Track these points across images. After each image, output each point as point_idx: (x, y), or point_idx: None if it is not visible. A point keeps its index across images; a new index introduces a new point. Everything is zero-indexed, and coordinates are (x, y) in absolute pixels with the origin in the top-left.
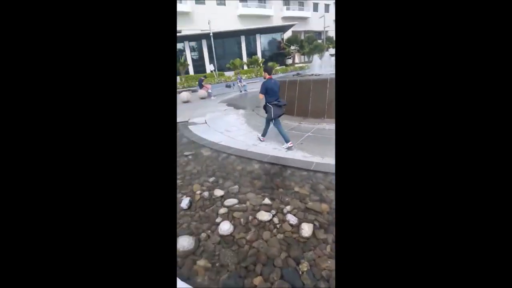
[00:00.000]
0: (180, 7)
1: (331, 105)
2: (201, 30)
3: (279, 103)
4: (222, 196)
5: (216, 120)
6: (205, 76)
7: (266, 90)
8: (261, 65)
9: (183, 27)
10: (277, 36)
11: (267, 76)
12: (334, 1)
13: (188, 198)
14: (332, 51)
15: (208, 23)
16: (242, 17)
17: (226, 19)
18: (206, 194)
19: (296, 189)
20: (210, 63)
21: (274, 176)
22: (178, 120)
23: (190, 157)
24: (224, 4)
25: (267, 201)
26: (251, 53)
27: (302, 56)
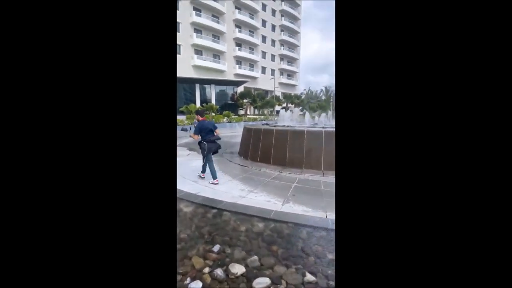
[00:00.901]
0: None
1: (308, 156)
2: None
3: (213, 138)
4: (244, 275)
5: (181, 167)
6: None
7: (200, 129)
8: (216, 111)
9: None
10: (230, 89)
11: (200, 118)
12: (275, 68)
13: (198, 282)
14: (278, 108)
15: None
16: (196, 67)
17: (181, 67)
18: (219, 272)
19: (330, 256)
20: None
21: (292, 239)
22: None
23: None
24: (179, 53)
25: (309, 277)
26: (205, 100)
27: (253, 109)
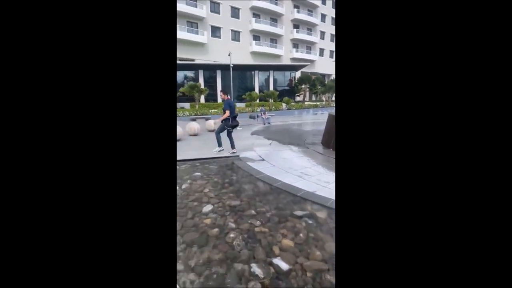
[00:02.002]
0: (196, 38)
1: None
2: (214, 61)
3: (236, 116)
4: None
5: (273, 157)
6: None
7: (230, 106)
8: (277, 99)
9: (197, 57)
10: (287, 74)
11: (226, 97)
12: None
13: None
14: None
15: (229, 55)
16: (254, 54)
17: (239, 54)
18: None
19: None
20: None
21: None
22: (225, 153)
23: (310, 222)
24: (239, 40)
25: None
26: (264, 87)
27: (310, 95)
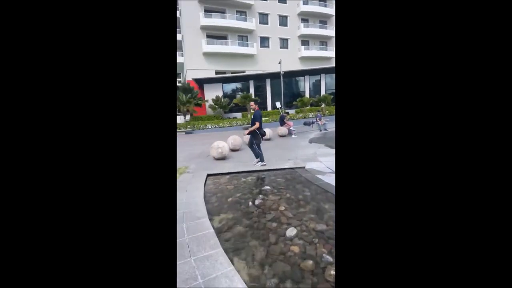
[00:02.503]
0: (246, 50)
1: None
2: (263, 71)
3: (260, 131)
4: None
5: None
6: (287, 113)
7: (261, 117)
8: (331, 103)
9: (247, 68)
10: None
11: (257, 107)
12: None
13: None
14: None
15: (279, 63)
16: (303, 59)
17: (288, 61)
18: None
19: None
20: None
21: None
22: (287, 164)
23: None
24: (287, 47)
25: None
26: (315, 92)
27: None
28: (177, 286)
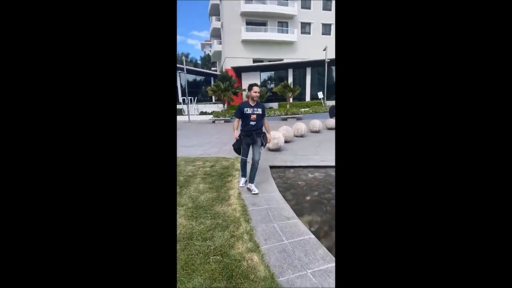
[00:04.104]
0: (285, 37)
1: None
2: (302, 59)
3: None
4: None
5: None
6: None
7: (241, 112)
8: None
9: (286, 56)
10: None
11: (252, 96)
12: None
13: None
14: None
15: (324, 50)
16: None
17: (330, 48)
18: None
19: None
20: (315, 91)
21: None
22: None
23: None
24: (329, 34)
25: None
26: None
27: None
28: None
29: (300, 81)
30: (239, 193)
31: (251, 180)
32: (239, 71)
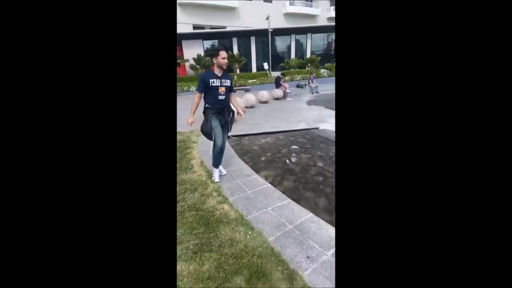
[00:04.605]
0: (226, 2)
1: None
2: (246, 27)
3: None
4: None
5: None
6: (283, 74)
7: (204, 82)
8: (319, 65)
9: (228, 23)
10: (324, 37)
11: (214, 67)
12: None
13: None
14: None
15: (267, 19)
16: (288, 16)
17: (272, 18)
18: None
19: None
20: (260, 61)
21: None
22: (300, 126)
23: None
24: (271, 2)
25: None
26: (300, 52)
27: None
28: (269, 232)
29: (245, 51)
30: (201, 162)
31: (216, 164)
32: (179, 38)
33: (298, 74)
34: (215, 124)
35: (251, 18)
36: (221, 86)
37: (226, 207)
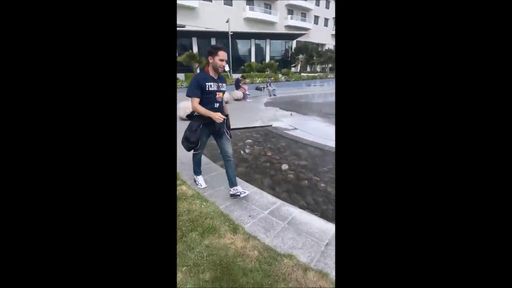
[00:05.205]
0: (186, 2)
1: None
2: (206, 28)
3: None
4: None
5: (304, 127)
6: (243, 77)
7: (200, 86)
8: (277, 70)
9: (188, 23)
10: (282, 43)
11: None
12: (329, 17)
13: None
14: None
15: (227, 22)
16: (248, 20)
17: (232, 20)
18: None
19: None
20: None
21: None
22: (256, 124)
23: None
24: (231, 5)
25: None
26: (260, 57)
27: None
28: (221, 203)
29: (205, 52)
30: None
31: (233, 182)
32: None
33: (258, 78)
34: (204, 134)
35: (210, 20)
36: (219, 91)
37: (184, 187)
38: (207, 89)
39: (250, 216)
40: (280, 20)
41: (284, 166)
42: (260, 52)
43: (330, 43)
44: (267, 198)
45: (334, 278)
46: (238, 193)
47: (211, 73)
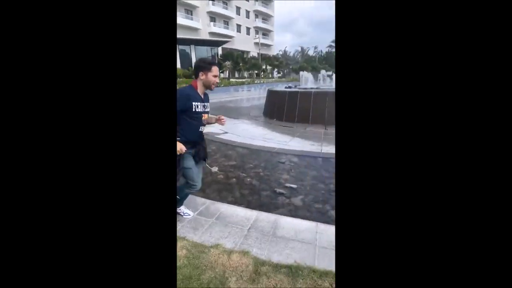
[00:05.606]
0: None
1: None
2: None
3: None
4: None
5: (233, 129)
6: None
7: (185, 108)
8: None
9: None
10: (208, 50)
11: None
12: (250, 27)
13: None
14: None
15: None
16: None
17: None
18: None
19: None
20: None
21: None
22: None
23: (292, 163)
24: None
25: None
26: (187, 63)
27: (230, 72)
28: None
29: None
30: None
31: (181, 203)
32: None
33: (186, 84)
34: (190, 164)
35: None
36: (205, 112)
37: None
38: (193, 109)
39: (178, 221)
40: (203, 27)
41: (214, 169)
42: (186, 57)
43: (253, 51)
44: (195, 200)
45: (254, 255)
46: (182, 214)
47: (199, 90)
